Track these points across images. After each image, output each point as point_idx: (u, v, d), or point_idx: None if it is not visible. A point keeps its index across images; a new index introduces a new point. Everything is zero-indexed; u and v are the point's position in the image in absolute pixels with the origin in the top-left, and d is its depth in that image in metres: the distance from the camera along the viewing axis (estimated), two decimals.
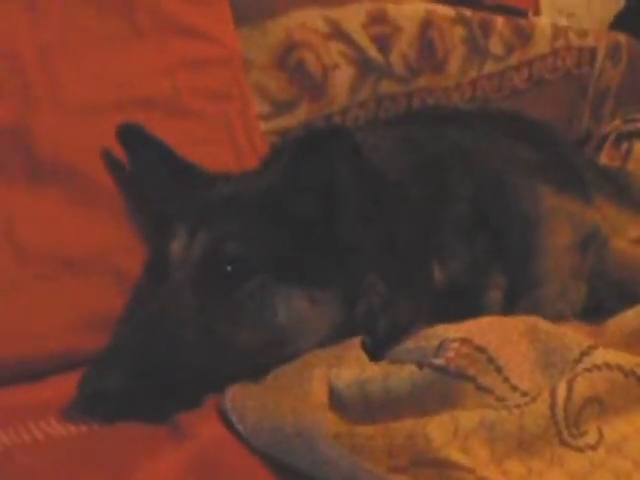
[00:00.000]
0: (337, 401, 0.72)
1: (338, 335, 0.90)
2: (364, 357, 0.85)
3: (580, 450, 0.65)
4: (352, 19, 1.62)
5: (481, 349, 0.71)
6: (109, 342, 0.90)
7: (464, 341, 0.72)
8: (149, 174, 1.07)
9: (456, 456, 0.63)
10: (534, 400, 0.67)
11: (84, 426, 0.78)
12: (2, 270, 0.94)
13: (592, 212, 1.22)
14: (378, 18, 1.68)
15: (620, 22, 2.97)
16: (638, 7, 3.08)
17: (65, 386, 0.84)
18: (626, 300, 1.04)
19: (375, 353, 0.88)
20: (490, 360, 0.71)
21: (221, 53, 1.21)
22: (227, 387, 0.82)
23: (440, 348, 0.73)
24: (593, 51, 2.29)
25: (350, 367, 0.76)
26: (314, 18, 1.56)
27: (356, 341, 0.87)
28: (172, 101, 1.13)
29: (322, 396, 0.71)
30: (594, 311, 1.09)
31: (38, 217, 0.97)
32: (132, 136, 1.05)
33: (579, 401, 0.67)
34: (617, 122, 2.15)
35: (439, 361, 0.71)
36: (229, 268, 0.89)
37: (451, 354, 0.71)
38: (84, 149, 1.02)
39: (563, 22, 2.75)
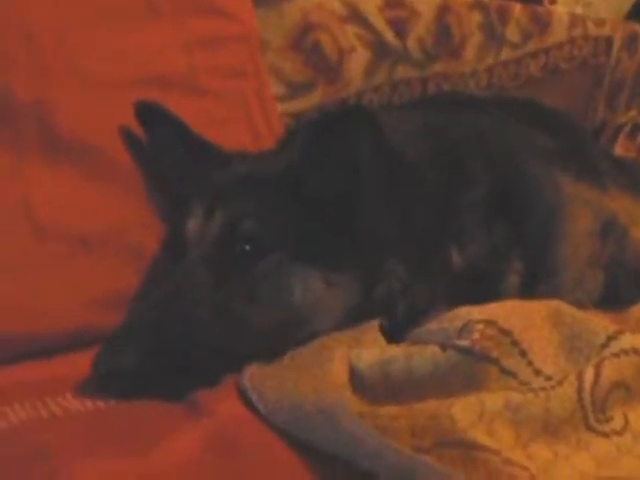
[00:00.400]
0: (358, 382, 0.72)
1: (355, 318, 0.89)
2: (382, 340, 0.84)
3: (606, 435, 0.64)
4: (369, 2, 1.61)
5: (505, 332, 0.70)
6: (124, 320, 0.90)
7: (489, 323, 0.71)
8: (166, 152, 1.06)
9: (482, 438, 0.62)
10: (560, 383, 0.67)
11: (101, 402, 0.78)
12: (19, 247, 0.94)
13: (610, 200, 1.21)
14: (395, 1, 1.67)
15: (637, 12, 2.94)
16: None
17: (81, 362, 0.83)
18: None
19: (393, 336, 0.87)
20: (514, 343, 0.70)
21: (238, 30, 1.20)
22: (244, 367, 0.82)
23: (464, 330, 0.72)
24: (609, 41, 2.27)
25: (371, 348, 0.75)
26: (330, 0, 1.54)
27: (374, 324, 0.86)
28: (188, 79, 1.12)
29: (343, 376, 0.70)
30: (610, 301, 1.08)
31: (55, 194, 0.97)
32: (150, 113, 1.04)
33: (606, 386, 0.66)
34: (633, 113, 2.14)
35: (463, 342, 0.70)
36: (246, 247, 0.88)
37: (476, 336, 0.70)
38: (101, 126, 1.02)
39: (579, 11, 2.72)
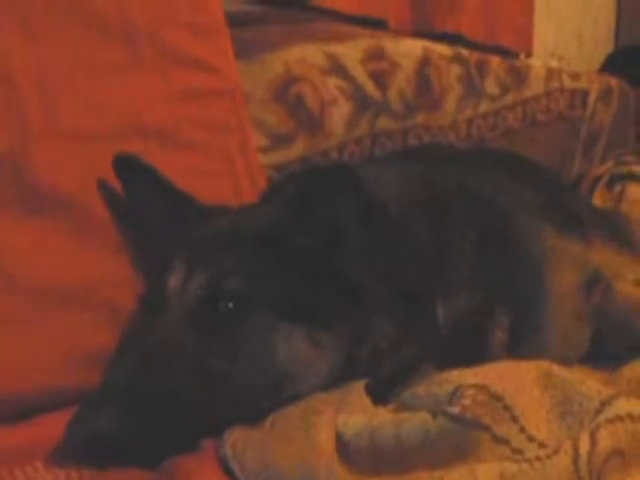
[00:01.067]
0: (344, 451, 0.69)
1: (340, 378, 0.87)
2: (367, 401, 0.82)
3: None
4: (351, 55, 1.62)
5: (497, 397, 0.68)
6: (101, 381, 0.86)
7: (480, 388, 0.69)
8: (145, 205, 1.04)
9: None
10: (556, 452, 0.64)
11: (74, 472, 0.74)
12: None
13: (594, 254, 1.20)
14: (376, 54, 1.69)
15: (609, 65, 3.02)
16: (627, 51, 3.13)
17: (53, 426, 0.80)
18: (629, 344, 1.02)
19: (378, 396, 0.85)
20: (506, 408, 0.68)
21: (222, 85, 1.19)
22: (225, 431, 0.79)
23: (454, 395, 0.69)
24: (585, 93, 2.32)
25: (357, 413, 0.72)
26: (313, 52, 1.55)
27: (359, 384, 0.84)
28: (172, 132, 1.10)
29: (329, 445, 0.67)
30: (597, 355, 1.06)
31: (28, 246, 0.94)
32: (128, 166, 1.02)
33: (603, 455, 0.64)
34: (610, 164, 2.16)
35: (454, 409, 0.68)
36: (229, 305, 0.85)
37: (467, 402, 0.68)
38: (80, 179, 1.00)
39: (554, 64, 2.78)
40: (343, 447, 0.69)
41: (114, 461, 0.75)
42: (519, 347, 1.02)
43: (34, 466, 0.75)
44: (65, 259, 0.96)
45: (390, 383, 0.88)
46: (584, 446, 0.64)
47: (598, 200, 2.02)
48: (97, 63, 1.07)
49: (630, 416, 0.67)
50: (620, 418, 0.66)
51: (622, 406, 0.68)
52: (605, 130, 2.40)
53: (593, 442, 0.64)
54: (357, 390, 0.82)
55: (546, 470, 0.63)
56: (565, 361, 0.97)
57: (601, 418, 0.67)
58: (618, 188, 2.03)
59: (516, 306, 1.03)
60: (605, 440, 0.65)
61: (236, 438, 0.74)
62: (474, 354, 0.96)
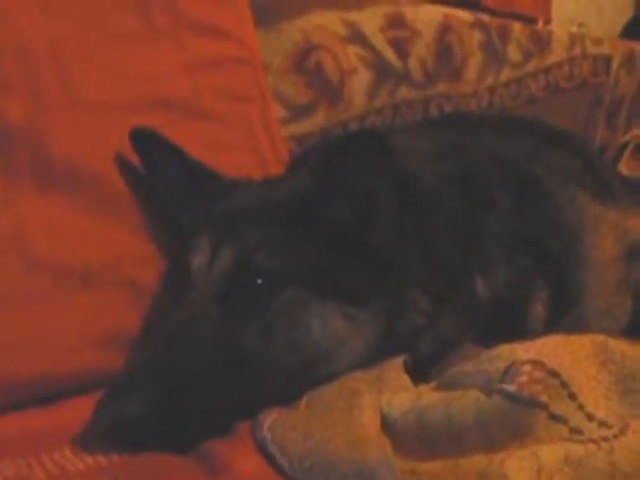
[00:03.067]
0: (390, 432, 0.65)
1: (376, 355, 0.83)
2: (406, 379, 0.78)
3: None
4: (370, 22, 1.57)
5: (554, 373, 0.64)
6: (127, 364, 0.83)
7: (536, 364, 0.65)
8: (165, 181, 1.00)
9: None
10: (623, 432, 0.60)
11: (102, 458, 0.70)
12: (11, 282, 0.86)
13: (631, 223, 1.15)
14: (396, 22, 1.63)
15: (629, 31, 2.95)
16: None
17: (80, 410, 0.77)
18: None
19: (417, 374, 0.81)
20: (563, 385, 0.64)
21: (242, 53, 1.15)
22: (259, 413, 0.75)
23: (509, 372, 0.65)
24: (608, 59, 2.26)
25: (398, 392, 0.68)
26: (332, 20, 1.51)
27: (397, 361, 0.80)
28: (191, 102, 1.06)
29: (375, 426, 0.63)
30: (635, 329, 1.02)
31: (50, 224, 0.90)
32: (146, 140, 0.98)
33: None
34: (635, 131, 2.11)
35: (510, 387, 0.63)
36: (259, 281, 0.81)
37: (523, 379, 0.63)
38: (99, 152, 0.95)
39: (573, 30, 2.72)
40: (389, 428, 0.65)
41: (144, 446, 0.71)
42: (558, 320, 0.98)
43: (62, 452, 0.71)
44: (85, 236, 0.92)
45: (429, 360, 0.84)
46: None
47: (624, 169, 1.97)
48: (112, 33, 1.03)
49: None
50: None
51: None
52: (628, 97, 2.34)
53: None
54: (395, 368, 0.78)
55: (615, 452, 0.59)
56: (606, 334, 0.93)
57: None
58: None
59: (555, 278, 0.99)
60: None
61: (273, 421, 0.70)
62: (513, 329, 0.92)
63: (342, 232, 0.84)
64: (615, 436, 0.61)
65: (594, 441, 0.60)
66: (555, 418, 0.62)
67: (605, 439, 0.60)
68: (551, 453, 0.59)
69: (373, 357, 0.82)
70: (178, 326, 0.80)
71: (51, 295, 0.88)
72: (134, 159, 1.00)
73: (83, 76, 0.97)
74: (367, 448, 0.60)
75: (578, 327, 0.93)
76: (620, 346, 0.69)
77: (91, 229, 0.93)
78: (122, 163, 0.99)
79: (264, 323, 0.80)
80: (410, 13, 1.66)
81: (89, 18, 1.01)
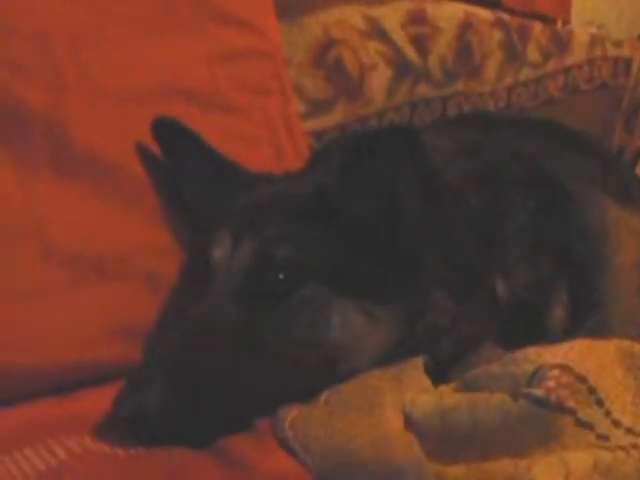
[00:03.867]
0: (413, 432, 0.64)
1: (397, 354, 0.81)
2: (427, 380, 0.77)
3: None
4: (391, 18, 1.56)
5: (582, 378, 0.63)
6: (145, 356, 0.82)
7: (564, 368, 0.63)
8: (186, 172, 0.99)
9: None
10: None
11: (120, 450, 0.70)
12: (28, 271, 0.85)
13: None
14: (417, 18, 1.62)
15: None
16: None
17: (96, 401, 0.76)
18: None
19: (438, 375, 0.80)
20: (591, 391, 0.62)
21: (263, 45, 1.14)
22: (278, 409, 0.74)
23: (536, 376, 0.64)
24: (628, 62, 2.24)
25: (419, 392, 0.67)
26: (353, 15, 1.49)
27: (417, 362, 0.78)
28: (211, 94, 1.05)
29: (399, 424, 0.62)
30: None
31: (67, 213, 0.89)
32: (168, 130, 0.97)
33: None
34: None
35: (538, 391, 0.62)
36: (280, 276, 0.80)
37: (551, 383, 0.62)
38: (118, 141, 0.95)
39: (593, 32, 2.69)
40: (411, 428, 0.64)
41: (162, 440, 0.70)
42: (580, 324, 0.97)
43: (82, 439, 0.70)
44: (103, 226, 0.91)
45: (449, 361, 0.83)
46: None
47: None
48: (134, 22, 1.02)
49: None
50: None
51: None
52: None
53: None
54: (415, 368, 0.77)
55: None
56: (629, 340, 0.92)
57: None
58: None
59: (576, 281, 0.98)
60: None
61: (294, 418, 0.69)
62: (533, 331, 0.91)
63: (364, 229, 0.83)
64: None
65: (622, 448, 0.59)
66: (582, 424, 0.61)
67: (635, 446, 0.59)
68: (579, 460, 0.58)
69: (393, 356, 0.81)
70: (197, 320, 0.79)
71: (67, 285, 0.87)
72: (154, 149, 0.99)
73: (103, 64, 0.96)
74: (393, 447, 0.59)
75: (600, 332, 0.92)
76: None
77: (109, 219, 0.92)
78: (142, 153, 0.98)
79: (284, 319, 0.79)
80: (432, 10, 1.65)
81: (110, 6, 1.00)
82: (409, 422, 0.65)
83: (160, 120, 0.96)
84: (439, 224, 0.86)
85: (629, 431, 0.61)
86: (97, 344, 0.88)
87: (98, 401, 0.75)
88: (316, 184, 0.88)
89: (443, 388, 0.71)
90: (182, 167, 0.98)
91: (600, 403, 0.62)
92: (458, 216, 0.90)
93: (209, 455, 0.68)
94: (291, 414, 0.71)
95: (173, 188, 1.00)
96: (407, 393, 0.67)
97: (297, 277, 0.80)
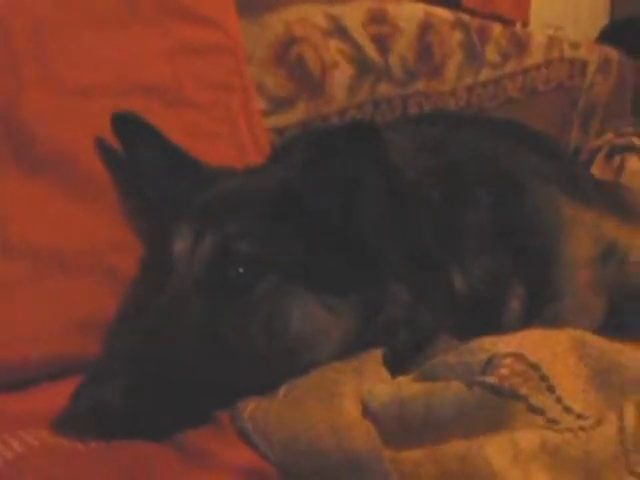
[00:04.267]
0: (372, 422, 0.65)
1: (356, 346, 0.83)
2: (384, 371, 0.78)
3: None
4: (352, 16, 1.58)
5: (534, 366, 0.65)
6: (105, 350, 0.82)
7: (517, 357, 0.65)
8: (146, 167, 0.99)
9: (520, 478, 0.57)
10: (600, 423, 0.61)
11: (79, 443, 0.69)
12: None
13: (606, 224, 1.17)
14: (378, 17, 1.64)
15: (604, 37, 2.99)
16: (623, 22, 3.10)
17: (56, 395, 0.76)
18: None
19: (396, 366, 0.81)
20: (543, 378, 0.64)
21: (225, 42, 1.14)
22: (238, 402, 0.74)
23: (489, 364, 0.66)
24: (585, 63, 2.29)
25: (378, 383, 0.68)
26: (314, 13, 1.50)
27: (376, 353, 0.80)
28: (173, 89, 1.05)
29: (357, 413, 0.63)
30: (613, 328, 1.03)
31: (27, 208, 0.88)
32: (128, 125, 0.97)
33: None
34: (609, 136, 2.14)
35: (491, 379, 0.64)
36: (241, 269, 0.81)
37: (505, 371, 0.64)
38: (78, 136, 0.94)
39: (551, 34, 2.74)
40: (370, 417, 0.65)
41: (122, 433, 0.70)
42: (534, 317, 0.99)
43: (39, 432, 0.70)
44: (62, 221, 0.91)
45: (407, 352, 0.84)
46: (629, 417, 0.61)
47: (597, 171, 2.00)
48: (95, 16, 1.02)
49: None
50: None
51: None
52: (602, 102, 2.37)
53: (638, 412, 0.61)
54: (374, 359, 0.78)
55: (591, 441, 0.60)
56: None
57: None
58: (618, 160, 2.02)
59: (532, 275, 1.00)
60: None
61: (253, 410, 0.70)
62: (489, 323, 0.93)
63: (325, 224, 0.84)
64: (591, 426, 0.61)
65: (571, 430, 0.61)
66: (533, 410, 0.63)
67: (582, 429, 0.61)
68: (528, 439, 0.60)
69: (352, 347, 0.82)
70: (158, 313, 0.79)
71: (28, 280, 0.87)
72: (115, 144, 0.98)
73: (64, 60, 0.95)
74: (352, 434, 0.60)
75: (554, 325, 0.94)
76: (596, 341, 0.70)
77: (70, 214, 0.91)
78: (102, 148, 0.98)
79: (245, 311, 0.80)
80: (392, 9, 1.67)
81: (71, 2, 1.00)
82: (367, 411, 0.66)
83: (119, 115, 0.96)
84: (399, 219, 0.88)
85: (579, 417, 0.63)
86: (58, 338, 0.87)
87: (58, 395, 0.75)
88: (278, 179, 0.89)
89: (401, 379, 0.72)
90: (142, 162, 0.98)
91: (552, 390, 0.64)
92: (417, 212, 0.92)
93: (170, 448, 0.69)
94: (250, 406, 0.71)
95: (133, 183, 1.00)
96: (365, 384, 0.67)
97: (257, 271, 0.81)
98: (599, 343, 0.69)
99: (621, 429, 0.60)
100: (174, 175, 0.98)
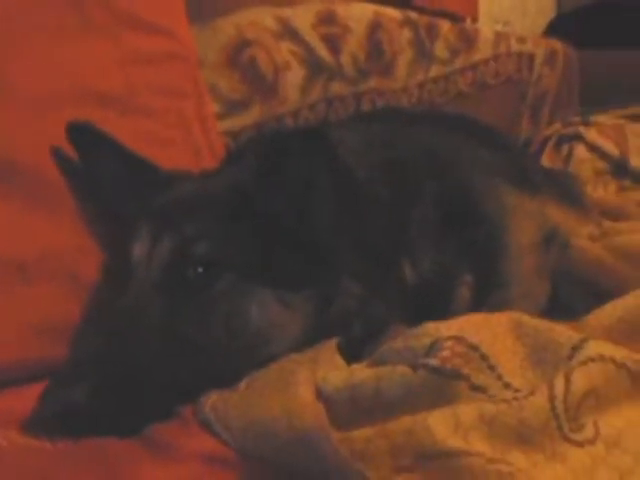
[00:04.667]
0: (325, 406, 0.69)
1: (312, 337, 0.87)
2: (339, 359, 0.82)
3: (580, 445, 0.64)
4: (302, 18, 1.61)
5: (474, 347, 0.69)
6: (70, 353, 0.84)
7: (457, 339, 0.70)
8: (103, 173, 1.01)
9: (461, 445, 0.61)
10: (532, 393, 0.66)
11: (47, 443, 0.72)
12: None
13: (550, 211, 1.23)
14: (328, 18, 1.67)
15: (552, 30, 3.07)
16: (570, 15, 3.18)
17: (22, 399, 0.78)
18: (590, 298, 1.04)
19: (350, 354, 0.85)
20: (483, 358, 0.69)
21: (176, 49, 1.17)
22: (200, 397, 0.78)
23: (433, 347, 0.70)
24: (532, 57, 2.35)
25: (336, 370, 0.73)
26: (264, 16, 1.53)
27: (331, 343, 0.84)
28: (126, 97, 1.07)
29: (311, 397, 0.67)
30: (557, 311, 1.09)
31: None
32: (82, 133, 0.99)
33: (578, 394, 0.66)
34: (557, 126, 2.20)
35: (434, 361, 0.68)
36: (199, 269, 0.84)
37: (446, 353, 0.69)
38: (34, 145, 0.96)
39: (499, 29, 2.81)
40: (323, 401, 0.69)
41: (90, 432, 0.73)
42: (482, 303, 1.04)
43: (8, 434, 0.72)
44: (24, 229, 0.93)
45: (361, 341, 0.88)
46: (559, 387, 0.66)
47: (547, 161, 2.06)
48: (46, 26, 1.03)
49: (602, 357, 0.69)
50: (592, 359, 0.68)
51: (593, 348, 0.70)
52: (551, 93, 2.44)
53: (567, 383, 0.66)
54: (329, 349, 0.82)
55: (523, 410, 0.64)
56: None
57: (574, 362, 0.69)
58: (566, 149, 2.08)
59: (479, 264, 1.05)
60: (579, 380, 0.67)
61: (214, 401, 0.74)
62: (440, 311, 0.98)
63: (279, 223, 0.88)
64: (525, 396, 0.67)
65: (505, 401, 0.66)
66: (475, 388, 0.67)
67: (515, 399, 0.66)
68: (468, 412, 0.65)
69: (309, 339, 0.86)
70: (121, 315, 0.82)
71: None
72: (70, 151, 1.01)
73: (17, 70, 0.97)
74: (303, 417, 0.64)
75: (501, 309, 0.99)
76: (531, 321, 0.75)
77: (30, 222, 0.93)
78: (57, 156, 1.00)
79: (203, 310, 0.83)
80: (341, 10, 1.71)
81: (22, 12, 1.01)
82: (320, 396, 0.70)
83: (73, 124, 0.97)
84: (350, 217, 0.92)
85: (517, 392, 0.68)
86: (22, 344, 0.89)
87: (24, 399, 0.77)
88: (233, 182, 0.92)
89: (355, 366, 0.77)
90: (98, 169, 1.00)
91: (492, 369, 0.68)
92: (368, 209, 0.96)
93: (136, 443, 0.72)
94: (211, 398, 0.75)
95: (91, 189, 1.02)
96: (320, 371, 0.72)
97: (214, 271, 0.84)
98: (534, 323, 0.74)
99: (551, 397, 0.65)
100: (131, 180, 1.00)
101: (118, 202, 1.01)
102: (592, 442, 0.64)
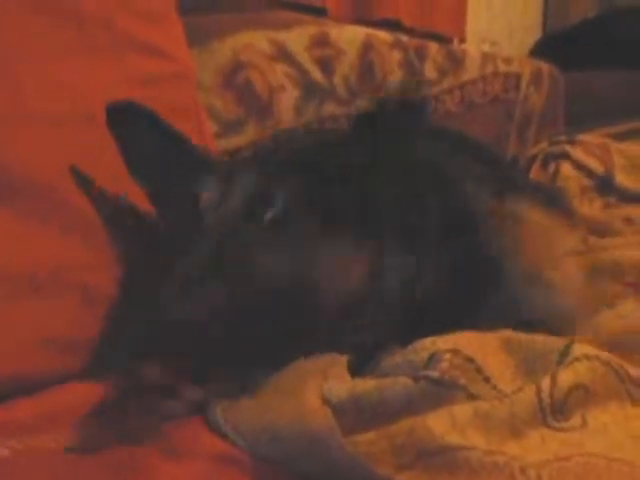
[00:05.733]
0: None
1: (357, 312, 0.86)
2: (348, 377, 0.83)
3: (565, 431, 0.68)
4: (296, 42, 1.66)
5: (470, 359, 0.73)
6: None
7: (455, 352, 0.74)
8: (144, 153, 0.98)
9: (459, 440, 0.65)
10: (522, 389, 0.71)
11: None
12: None
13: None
14: (321, 41, 1.72)
15: (538, 50, 3.14)
16: (555, 36, 3.25)
17: (32, 409, 0.80)
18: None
19: (355, 370, 0.86)
20: (478, 370, 0.73)
21: (177, 69, 1.21)
22: (213, 402, 0.80)
23: (431, 360, 0.74)
24: (518, 77, 2.41)
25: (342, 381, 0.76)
26: (259, 40, 1.58)
27: (342, 359, 0.83)
28: None
29: (319, 403, 0.71)
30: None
31: (1, 232, 0.93)
32: (121, 114, 0.96)
33: (564, 387, 0.70)
34: (544, 144, 2.26)
35: (434, 373, 0.72)
36: (272, 214, 0.83)
37: (445, 365, 0.72)
38: (49, 164, 0.99)
39: (486, 49, 2.88)
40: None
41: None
42: (482, 306, 1.05)
43: (22, 438, 0.74)
44: (36, 244, 0.95)
45: (367, 358, 0.87)
46: (546, 383, 0.71)
47: (534, 178, 2.11)
48: (53, 47, 1.06)
49: (586, 356, 0.73)
50: (577, 359, 0.73)
51: (578, 349, 0.75)
52: (537, 112, 2.50)
53: (554, 380, 0.71)
54: (339, 364, 0.81)
55: (514, 404, 0.69)
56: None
57: (562, 366, 0.74)
58: (552, 167, 2.13)
59: (476, 271, 1.06)
60: (565, 376, 0.71)
61: (225, 407, 0.77)
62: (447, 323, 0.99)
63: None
64: (514, 392, 0.71)
65: (498, 398, 0.70)
66: (472, 397, 0.71)
67: (506, 396, 0.70)
68: (463, 409, 0.69)
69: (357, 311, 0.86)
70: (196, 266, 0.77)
71: (1, 300, 0.91)
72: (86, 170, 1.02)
73: (28, 89, 0.99)
74: (313, 420, 0.67)
75: (501, 311, 1.01)
76: (518, 336, 0.79)
77: (42, 237, 0.95)
78: (74, 174, 1.01)
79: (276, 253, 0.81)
80: (334, 33, 1.76)
81: (32, 33, 1.03)
82: (326, 405, 0.73)
83: (115, 105, 0.95)
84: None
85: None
86: (32, 356, 0.92)
87: (34, 408, 0.79)
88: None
89: (358, 380, 0.79)
90: (139, 149, 0.98)
91: (487, 380, 0.73)
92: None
93: (154, 446, 0.73)
94: (222, 404, 0.78)
95: (102, 204, 1.03)
96: (327, 384, 0.75)
97: (290, 213, 0.83)
98: (520, 338, 0.79)
99: (538, 392, 0.69)
100: (173, 163, 0.97)
101: (161, 186, 0.98)
102: (578, 430, 0.68)
